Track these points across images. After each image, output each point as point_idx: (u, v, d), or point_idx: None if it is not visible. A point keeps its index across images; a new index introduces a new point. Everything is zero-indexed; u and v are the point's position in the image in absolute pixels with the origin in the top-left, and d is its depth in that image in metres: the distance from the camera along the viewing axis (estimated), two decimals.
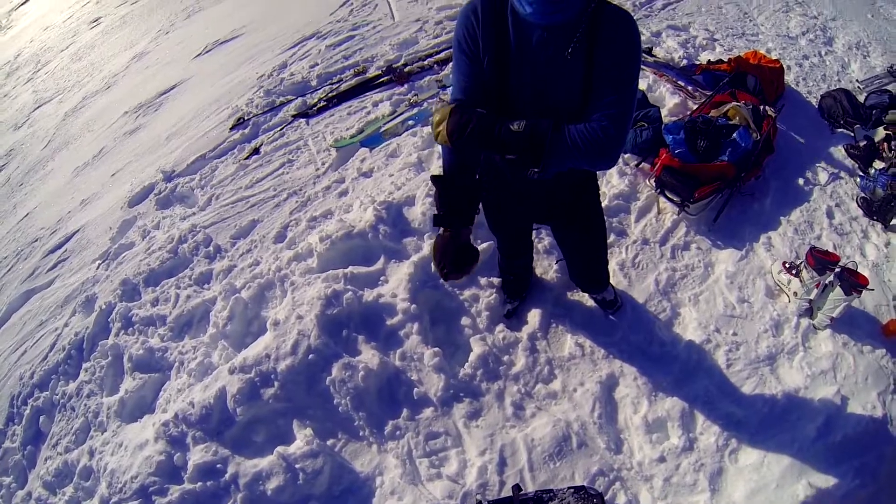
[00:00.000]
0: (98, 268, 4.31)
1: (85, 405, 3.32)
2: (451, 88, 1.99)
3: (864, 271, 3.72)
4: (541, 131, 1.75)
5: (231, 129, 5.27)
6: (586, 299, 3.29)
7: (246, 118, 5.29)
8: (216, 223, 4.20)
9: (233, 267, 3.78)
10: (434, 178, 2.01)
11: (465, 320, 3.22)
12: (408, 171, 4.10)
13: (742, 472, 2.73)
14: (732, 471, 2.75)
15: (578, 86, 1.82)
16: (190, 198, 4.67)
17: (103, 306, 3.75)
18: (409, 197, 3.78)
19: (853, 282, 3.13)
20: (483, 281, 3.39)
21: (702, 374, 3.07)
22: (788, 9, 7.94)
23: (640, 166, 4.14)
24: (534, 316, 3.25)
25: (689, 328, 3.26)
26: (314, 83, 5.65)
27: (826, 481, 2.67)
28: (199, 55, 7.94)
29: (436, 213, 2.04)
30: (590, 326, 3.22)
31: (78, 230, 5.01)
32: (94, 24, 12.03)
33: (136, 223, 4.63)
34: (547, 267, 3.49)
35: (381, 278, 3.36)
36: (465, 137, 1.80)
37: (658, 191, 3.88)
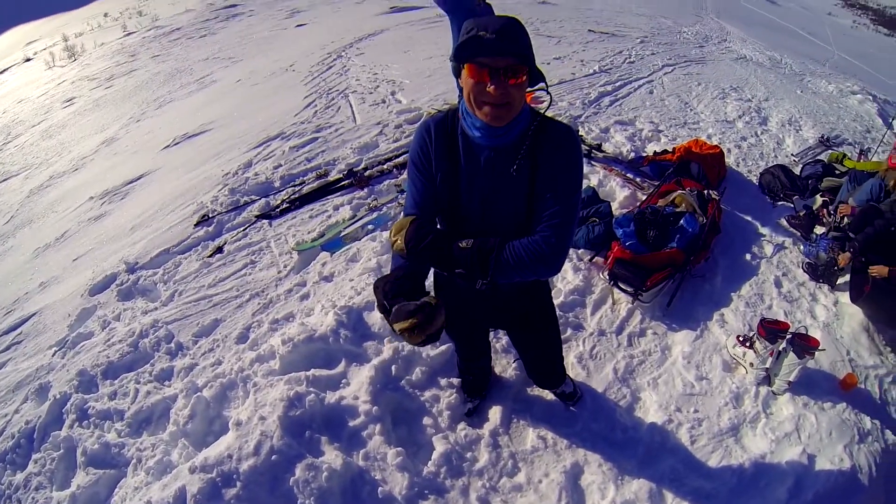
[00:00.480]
0: (54, 355, 4.18)
1: (33, 498, 3.15)
2: (406, 198, 2.13)
3: (815, 333, 4.02)
4: (487, 249, 1.85)
5: (195, 225, 5.31)
6: (546, 393, 3.41)
7: (210, 215, 5.36)
8: (178, 320, 4.21)
9: (194, 365, 3.74)
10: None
11: (426, 420, 3.27)
12: (367, 276, 4.26)
13: None
14: None
15: (524, 199, 1.94)
16: (152, 291, 4.64)
17: (58, 396, 3.65)
18: (369, 302, 3.92)
19: (805, 345, 3.38)
20: (443, 381, 3.52)
21: (666, 454, 3.17)
22: (725, 95, 8.64)
23: (594, 260, 4.41)
24: (495, 412, 3.32)
25: (651, 411, 3.39)
26: (277, 184, 5.80)
27: None
28: (167, 147, 8.13)
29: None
30: (551, 419, 3.31)
31: (35, 313, 4.89)
32: (68, 103, 12.51)
33: (96, 313, 4.53)
34: (506, 365, 3.61)
35: (343, 381, 3.43)
36: (420, 250, 1.87)
37: (611, 283, 4.13)
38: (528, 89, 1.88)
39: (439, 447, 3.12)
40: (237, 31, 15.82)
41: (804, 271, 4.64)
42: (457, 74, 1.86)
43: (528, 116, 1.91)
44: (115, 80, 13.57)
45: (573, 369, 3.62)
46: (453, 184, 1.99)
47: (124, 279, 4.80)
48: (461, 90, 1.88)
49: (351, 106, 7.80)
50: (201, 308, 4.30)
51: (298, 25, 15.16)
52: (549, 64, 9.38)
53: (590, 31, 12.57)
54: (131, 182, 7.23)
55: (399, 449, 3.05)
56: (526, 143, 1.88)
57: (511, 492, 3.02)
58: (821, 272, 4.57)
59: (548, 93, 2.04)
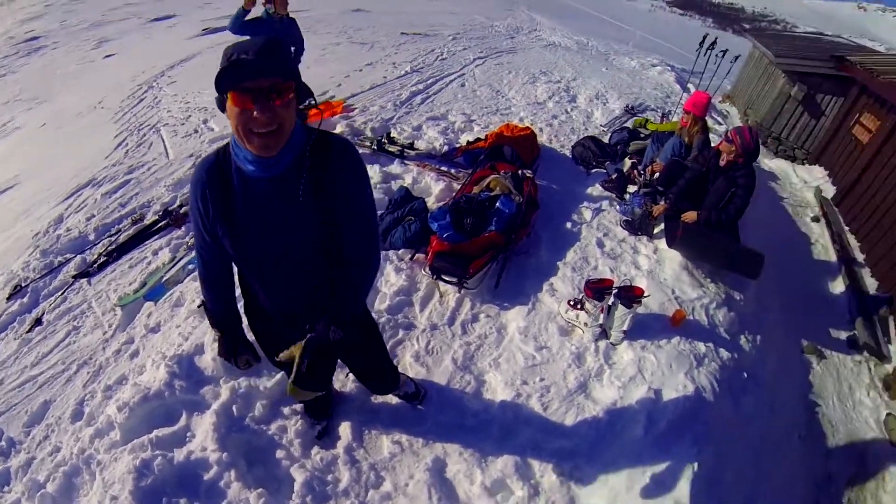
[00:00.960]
0: None
1: None
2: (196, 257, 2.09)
3: (641, 281, 4.32)
4: (338, 322, 1.99)
5: (8, 299, 4.72)
6: (391, 398, 3.40)
7: (23, 285, 4.81)
8: (4, 413, 3.70)
9: (32, 459, 3.34)
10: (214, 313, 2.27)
11: (279, 453, 3.12)
12: (193, 320, 4.02)
13: (592, 493, 2.91)
14: (583, 496, 2.90)
15: (317, 223, 1.87)
16: None
17: None
18: (198, 345, 3.69)
19: (631, 296, 3.58)
20: (286, 410, 3.35)
21: (522, 426, 3.20)
22: (535, 79, 9.08)
23: (415, 258, 4.37)
24: (345, 429, 3.21)
25: (498, 390, 3.41)
26: (92, 237, 5.33)
27: (668, 464, 2.93)
28: None
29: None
30: (401, 422, 3.24)
31: None
32: None
33: None
34: (344, 380, 3.54)
35: (188, 434, 3.19)
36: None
37: (435, 277, 4.15)
38: (302, 105, 1.86)
39: (299, 477, 2.98)
40: (41, 67, 14.28)
41: (623, 228, 4.96)
42: (222, 107, 1.69)
43: (303, 136, 1.81)
44: None
45: (412, 368, 3.56)
46: (240, 229, 1.86)
47: None
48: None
49: (163, 140, 7.36)
50: (27, 392, 3.85)
51: (107, 56, 13.99)
52: (360, 70, 9.41)
53: (402, 33, 12.81)
54: None
55: (260, 490, 2.89)
56: (306, 164, 1.79)
57: (381, 502, 2.94)
58: (637, 225, 4.90)
59: (315, 106, 1.95)
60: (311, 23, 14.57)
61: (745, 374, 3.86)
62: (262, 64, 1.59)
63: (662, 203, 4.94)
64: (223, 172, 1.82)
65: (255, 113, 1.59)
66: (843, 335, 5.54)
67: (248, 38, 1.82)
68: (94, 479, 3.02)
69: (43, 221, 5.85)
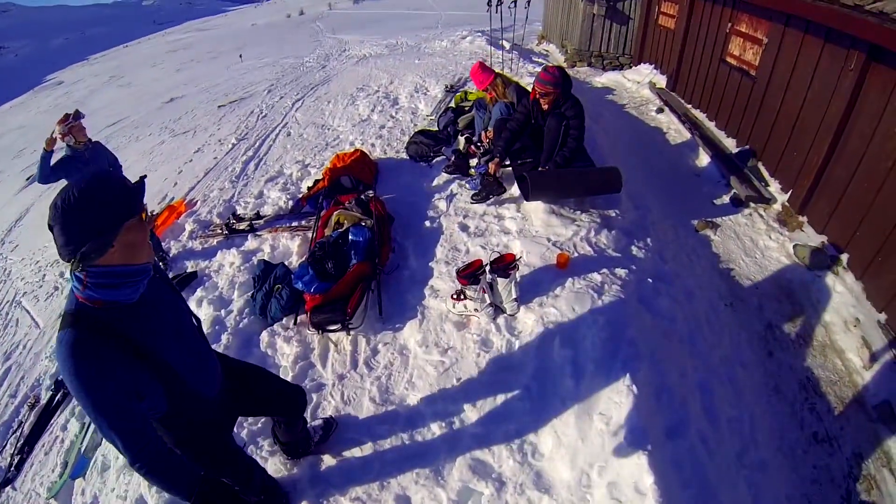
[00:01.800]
0: None
1: None
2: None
3: (515, 243, 4.39)
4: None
5: None
6: (328, 459, 3.27)
7: None
8: None
9: None
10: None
11: None
12: (123, 476, 3.76)
13: (552, 459, 2.94)
14: (545, 463, 2.94)
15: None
16: None
17: None
18: (138, 498, 3.44)
19: (504, 266, 3.62)
20: None
21: (461, 429, 3.22)
22: (354, 99, 9.12)
23: (298, 322, 4.27)
24: None
25: (423, 407, 3.41)
26: None
27: (610, 400, 2.99)
28: None
29: None
30: (351, 477, 3.18)
31: None
32: None
33: None
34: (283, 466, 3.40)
35: None
36: None
37: (321, 332, 4.08)
38: None
39: None
40: None
41: (473, 202, 5.00)
42: (99, 252, 1.71)
43: None
44: None
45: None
46: (152, 359, 1.88)
47: None
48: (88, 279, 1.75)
49: (28, 312, 6.90)
50: None
51: None
52: (191, 161, 9.11)
53: (219, 106, 12.48)
54: None
55: None
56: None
57: None
58: (483, 192, 4.97)
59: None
60: (130, 129, 14.02)
61: (650, 280, 4.03)
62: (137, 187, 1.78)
63: (495, 159, 5.06)
64: (103, 331, 1.76)
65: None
66: (726, 198, 5.94)
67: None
68: None
69: None
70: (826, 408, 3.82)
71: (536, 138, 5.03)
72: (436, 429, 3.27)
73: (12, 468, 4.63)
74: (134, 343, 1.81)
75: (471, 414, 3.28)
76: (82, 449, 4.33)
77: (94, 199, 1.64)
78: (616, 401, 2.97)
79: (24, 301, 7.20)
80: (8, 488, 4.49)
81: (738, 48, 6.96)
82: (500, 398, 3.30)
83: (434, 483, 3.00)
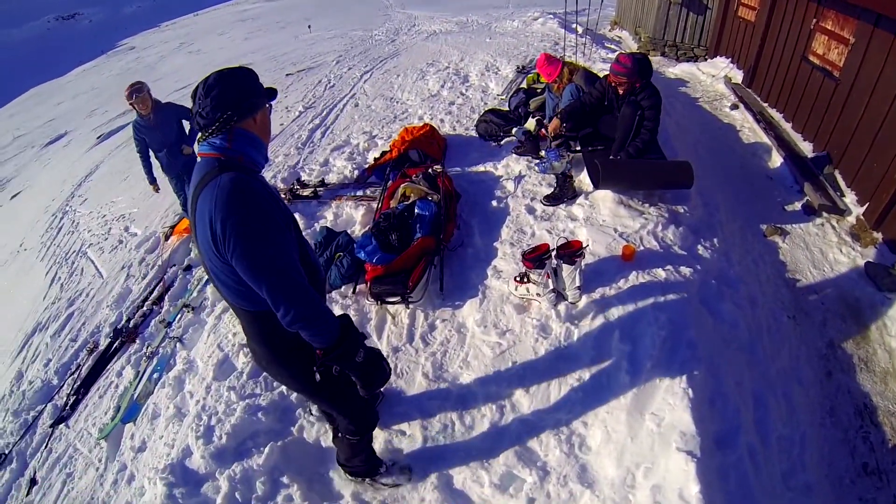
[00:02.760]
0: None
1: None
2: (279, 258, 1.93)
3: (581, 231, 4.32)
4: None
5: None
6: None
7: (6, 452, 4.78)
8: None
9: None
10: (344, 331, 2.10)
11: None
12: (172, 426, 3.96)
13: (599, 453, 2.90)
14: (591, 458, 2.90)
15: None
16: None
17: None
18: (185, 448, 3.62)
19: (570, 252, 3.55)
20: (285, 479, 3.27)
21: (511, 414, 3.20)
22: (424, 74, 9.08)
23: (357, 291, 4.33)
24: (337, 474, 3.21)
25: (472, 388, 3.40)
26: (56, 381, 5.31)
27: (664, 401, 2.93)
28: None
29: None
30: (395, 453, 3.24)
31: None
32: None
33: None
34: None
35: None
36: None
37: (379, 302, 4.12)
38: None
39: None
40: None
41: (545, 204, 4.82)
42: (238, 121, 1.96)
43: None
44: None
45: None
46: (289, 220, 2.07)
47: None
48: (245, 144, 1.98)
49: (93, 262, 7.27)
50: None
51: (13, 196, 13.62)
52: None
53: (287, 74, 12.63)
54: None
55: None
56: None
57: None
58: (557, 193, 4.82)
59: None
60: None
61: (714, 282, 3.90)
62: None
63: (556, 119, 4.97)
64: (259, 182, 1.98)
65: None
66: (798, 205, 5.65)
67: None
68: None
69: (3, 383, 5.80)
70: (881, 439, 3.58)
71: (609, 125, 4.91)
72: (486, 410, 3.26)
73: (67, 407, 4.88)
74: (279, 202, 2.04)
75: (522, 399, 3.26)
76: (135, 395, 4.55)
77: (251, 74, 2.02)
78: (670, 402, 2.91)
79: (89, 252, 7.56)
80: (62, 426, 4.74)
81: (823, 46, 6.48)
82: (554, 386, 3.26)
83: (478, 465, 3.01)
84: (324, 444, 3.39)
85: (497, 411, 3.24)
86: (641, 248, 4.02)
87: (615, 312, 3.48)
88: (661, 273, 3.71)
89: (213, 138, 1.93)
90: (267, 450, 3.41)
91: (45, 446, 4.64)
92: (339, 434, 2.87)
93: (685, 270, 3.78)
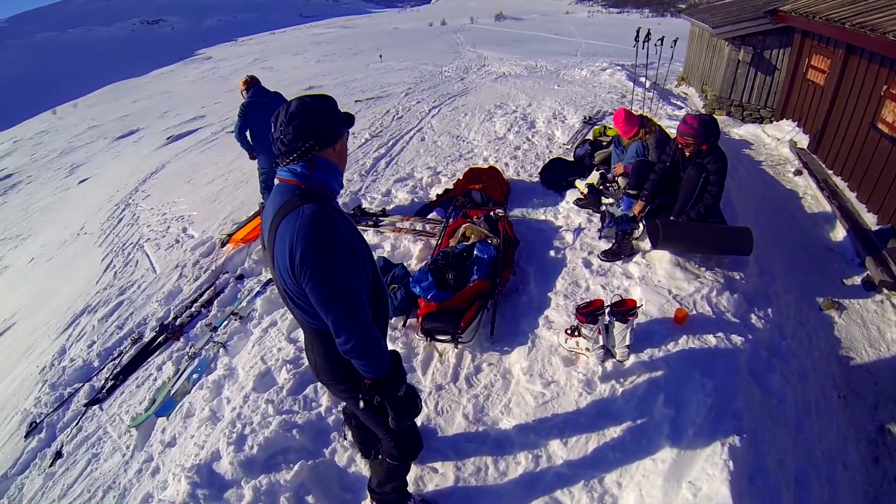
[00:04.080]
0: None
1: None
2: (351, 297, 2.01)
3: (635, 289, 4.31)
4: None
5: (26, 437, 4.84)
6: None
7: (38, 421, 4.93)
8: None
9: None
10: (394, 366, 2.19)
11: None
12: (205, 428, 4.03)
13: None
14: None
15: None
16: None
17: None
18: (214, 452, 3.68)
19: (624, 310, 3.54)
20: (310, 499, 3.31)
21: (546, 465, 3.18)
22: (491, 115, 9.22)
23: (407, 324, 4.35)
24: None
25: (515, 435, 3.38)
26: (97, 363, 5.45)
27: (702, 469, 2.88)
28: None
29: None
30: (426, 490, 3.24)
31: None
32: None
33: None
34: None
35: None
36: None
37: (429, 339, 4.17)
38: None
39: None
40: (19, 204, 14.54)
41: (603, 259, 4.81)
42: (320, 148, 2.02)
43: None
44: None
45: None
46: (366, 253, 2.14)
47: None
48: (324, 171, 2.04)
49: (148, 256, 7.54)
50: None
51: (81, 181, 14.27)
52: None
53: (356, 101, 13.01)
54: None
55: None
56: None
57: None
58: (615, 249, 4.83)
59: None
60: None
61: (765, 353, 3.83)
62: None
63: (640, 202, 4.96)
64: (336, 211, 2.04)
65: None
66: (858, 280, 5.50)
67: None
68: None
69: (46, 356, 6.02)
70: None
71: (671, 185, 4.89)
72: (521, 458, 3.25)
73: (104, 391, 5.01)
74: (355, 231, 2.10)
75: (559, 452, 3.23)
76: (172, 391, 4.65)
77: (332, 103, 2.05)
78: (709, 472, 2.85)
79: (146, 246, 7.84)
80: (95, 407, 4.86)
81: (893, 115, 6.35)
82: (592, 442, 3.23)
83: None
84: (352, 471, 3.42)
85: (532, 461, 3.22)
86: (694, 312, 3.99)
87: (662, 375, 3.46)
88: (711, 339, 3.68)
89: (294, 165, 2.01)
90: (297, 467, 3.44)
91: (76, 423, 4.76)
92: (379, 456, 2.89)
93: (736, 339, 3.74)
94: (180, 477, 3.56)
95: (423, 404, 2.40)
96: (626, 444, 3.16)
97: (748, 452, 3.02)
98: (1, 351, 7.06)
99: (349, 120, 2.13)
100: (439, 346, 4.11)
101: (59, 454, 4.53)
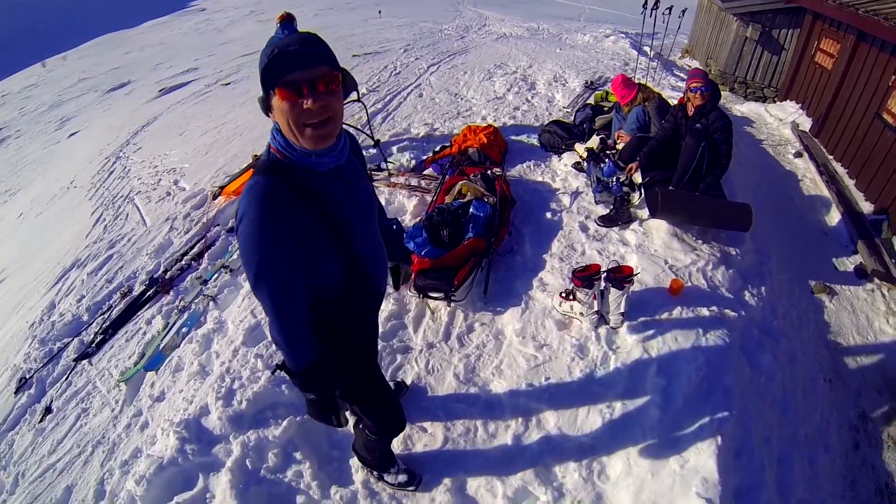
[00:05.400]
0: None
1: None
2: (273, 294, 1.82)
3: (631, 257, 4.26)
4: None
5: (16, 392, 4.84)
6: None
7: (27, 376, 4.93)
8: None
9: None
10: (304, 371, 1.97)
11: (300, 498, 3.05)
12: (194, 382, 4.01)
13: (618, 483, 2.84)
14: (609, 488, 2.84)
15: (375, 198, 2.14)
16: None
17: None
18: (203, 406, 3.66)
19: (620, 277, 3.49)
20: (298, 455, 3.28)
21: (536, 430, 3.16)
22: (491, 75, 9.04)
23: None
24: (357, 463, 3.17)
25: (501, 398, 3.36)
26: (86, 317, 5.43)
27: (691, 443, 2.87)
28: None
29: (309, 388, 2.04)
30: (413, 448, 3.22)
31: None
32: None
33: None
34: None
35: (207, 496, 3.17)
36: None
37: (421, 296, 4.09)
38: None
39: None
40: (8, 159, 14.22)
41: (599, 224, 4.73)
42: (267, 109, 1.67)
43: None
44: None
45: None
46: (340, 226, 1.84)
47: None
48: (275, 131, 1.73)
49: (138, 209, 7.42)
50: (49, 481, 3.92)
51: (71, 135, 13.96)
52: None
53: (353, 55, 12.69)
54: None
55: None
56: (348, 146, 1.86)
57: None
58: (613, 215, 4.74)
59: (360, 101, 2.13)
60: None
61: (757, 331, 3.80)
62: (308, 53, 1.56)
63: (634, 163, 4.87)
64: (293, 184, 1.72)
65: (305, 104, 1.56)
66: (850, 266, 5.48)
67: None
68: None
69: (36, 311, 5.95)
70: None
71: (671, 155, 4.79)
72: (511, 422, 3.22)
73: (93, 345, 4.97)
74: (322, 207, 1.78)
75: (549, 417, 3.20)
76: (161, 346, 4.63)
77: (266, 51, 1.60)
78: (697, 446, 2.84)
79: (136, 199, 7.70)
80: (85, 362, 4.83)
81: None
82: (583, 409, 3.20)
83: (495, 475, 2.97)
84: (341, 430, 3.37)
85: (522, 424, 3.20)
86: (689, 284, 3.94)
87: (655, 345, 3.42)
88: (705, 312, 3.64)
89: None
90: (285, 423, 3.43)
91: (66, 378, 4.74)
92: (360, 426, 2.83)
93: (730, 314, 3.70)
94: (169, 432, 3.54)
95: (338, 421, 2.16)
96: (617, 412, 3.14)
97: (736, 428, 3.01)
98: None
99: (292, 62, 1.56)
100: (431, 303, 4.04)
101: (48, 409, 4.53)
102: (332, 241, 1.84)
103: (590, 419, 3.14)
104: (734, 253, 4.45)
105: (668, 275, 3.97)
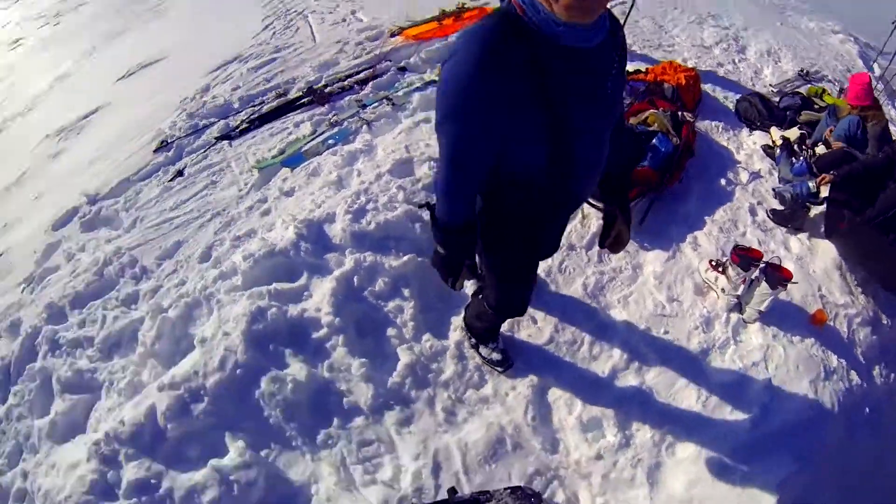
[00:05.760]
0: (23, 292, 4.19)
1: (15, 428, 3.18)
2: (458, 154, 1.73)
3: (788, 265, 3.89)
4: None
5: (155, 151, 5.24)
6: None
7: (169, 141, 5.29)
8: (141, 245, 4.14)
9: (159, 287, 3.73)
10: (450, 227, 1.90)
11: (391, 331, 3.22)
12: (328, 190, 4.13)
13: (680, 465, 2.80)
14: (670, 464, 2.81)
15: (621, 99, 1.94)
16: (115, 220, 4.63)
17: (29, 330, 3.63)
18: (330, 214, 3.78)
19: (778, 276, 3.27)
20: (406, 292, 3.39)
21: (633, 374, 3.13)
22: (702, 21, 8.35)
23: None
24: (458, 324, 3.26)
25: (620, 329, 3.33)
26: (237, 105, 5.70)
27: (763, 469, 2.75)
28: (122, 78, 7.82)
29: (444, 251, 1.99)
30: (519, 333, 3.27)
31: (1, 254, 4.91)
32: (15, 45, 11.61)
33: (62, 246, 4.52)
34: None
35: (305, 293, 3.34)
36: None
37: None
38: None
39: (404, 358, 3.11)
40: None
41: (770, 217, 4.37)
42: None
43: None
44: (62, 16, 12.29)
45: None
46: (559, 113, 1.59)
47: (86, 211, 4.82)
48: None
49: (310, 26, 7.49)
50: (163, 231, 4.30)
51: None
52: None
53: None
54: (87, 116, 7.04)
55: (363, 360, 3.05)
56: (609, 32, 1.60)
57: (477, 403, 3.01)
58: (787, 214, 4.33)
59: None
60: None
61: (867, 409, 3.39)
62: None
63: (828, 175, 4.42)
64: (524, 48, 1.49)
65: None
66: None
67: None
68: (211, 314, 3.28)
69: (190, 89, 6.35)
70: None
71: (870, 185, 4.28)
72: (616, 355, 3.19)
73: (237, 130, 5.22)
74: (549, 85, 1.54)
75: (650, 371, 3.14)
76: (304, 149, 4.76)
77: None
78: (764, 475, 2.72)
79: (310, 17, 7.75)
80: (225, 142, 5.11)
81: None
82: (682, 380, 3.10)
83: (578, 396, 2.99)
84: (458, 289, 3.42)
85: (623, 364, 3.16)
86: (832, 323, 3.60)
87: (776, 359, 3.22)
88: (833, 360, 3.33)
89: None
90: (406, 258, 3.50)
91: (204, 152, 5.07)
92: (481, 296, 2.83)
93: (854, 377, 3.34)
94: (289, 225, 3.70)
95: (454, 285, 2.11)
96: (712, 401, 3.02)
97: (807, 482, 2.82)
98: (149, 78, 7.47)
99: None
100: (586, 207, 3.91)
101: (180, 173, 4.90)
102: (546, 125, 1.62)
103: (685, 393, 3.05)
104: (885, 322, 3.94)
105: (816, 302, 3.65)
